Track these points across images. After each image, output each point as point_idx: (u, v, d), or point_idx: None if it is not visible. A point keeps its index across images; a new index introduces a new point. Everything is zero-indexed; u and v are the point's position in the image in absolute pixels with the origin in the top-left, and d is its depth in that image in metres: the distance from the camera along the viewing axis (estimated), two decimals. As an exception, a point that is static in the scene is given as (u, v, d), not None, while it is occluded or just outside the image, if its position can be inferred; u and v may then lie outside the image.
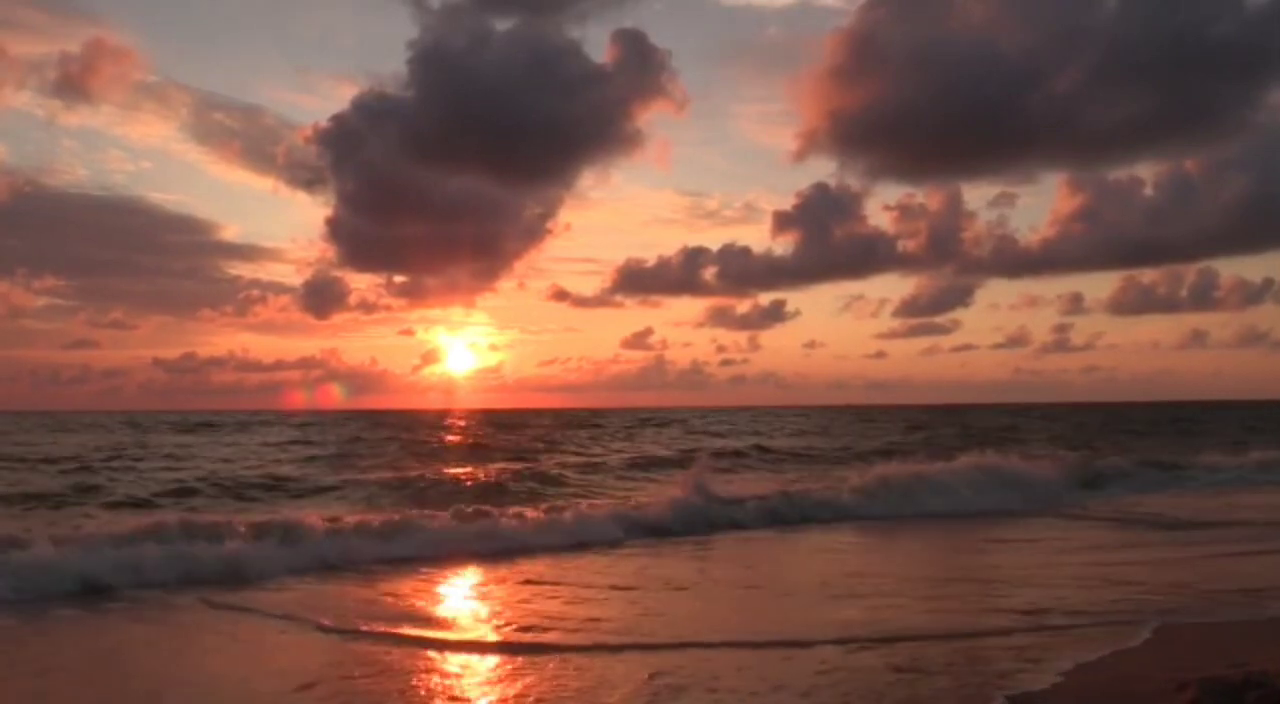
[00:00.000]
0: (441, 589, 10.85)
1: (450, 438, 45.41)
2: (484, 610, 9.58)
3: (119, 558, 10.88)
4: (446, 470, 25.16)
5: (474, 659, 7.51)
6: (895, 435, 45.76)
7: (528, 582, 10.91)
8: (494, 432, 52.79)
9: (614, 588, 10.56)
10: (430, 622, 9.03)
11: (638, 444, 40.72)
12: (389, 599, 10.07)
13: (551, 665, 7.15)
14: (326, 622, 8.77)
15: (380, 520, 13.86)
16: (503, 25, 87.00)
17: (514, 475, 23.65)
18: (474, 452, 35.14)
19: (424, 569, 11.88)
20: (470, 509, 15.00)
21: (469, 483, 22.20)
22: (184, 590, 10.36)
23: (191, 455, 31.28)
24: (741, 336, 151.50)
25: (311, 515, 14.05)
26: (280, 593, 10.37)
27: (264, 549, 11.88)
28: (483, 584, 11.11)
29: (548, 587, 10.61)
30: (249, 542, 12.11)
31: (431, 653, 7.69)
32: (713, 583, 11.24)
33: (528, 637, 8.11)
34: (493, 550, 13.10)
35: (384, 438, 44.18)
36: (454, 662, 7.43)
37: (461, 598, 10.45)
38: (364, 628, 8.48)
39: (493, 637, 8.23)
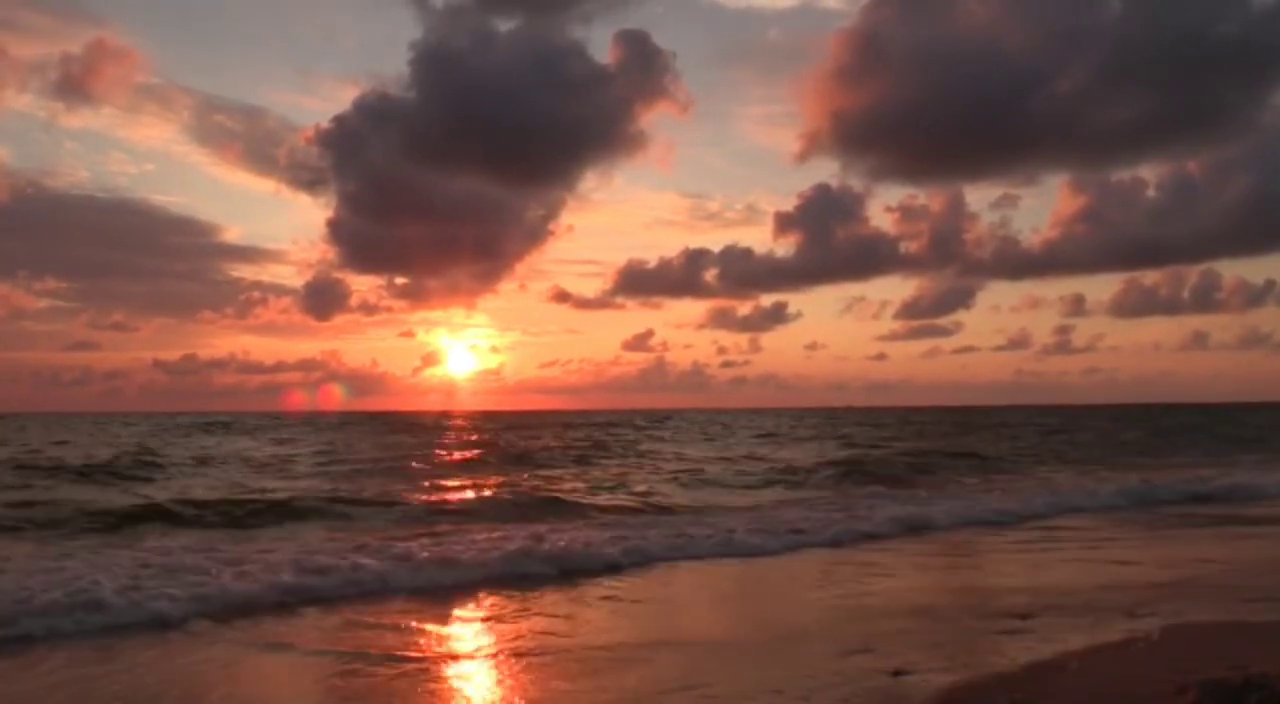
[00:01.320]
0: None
1: (522, 441, 43.74)
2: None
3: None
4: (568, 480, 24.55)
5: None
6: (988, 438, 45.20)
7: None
8: (540, 434, 51.75)
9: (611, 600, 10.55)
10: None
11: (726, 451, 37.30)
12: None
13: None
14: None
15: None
16: (506, 26, 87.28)
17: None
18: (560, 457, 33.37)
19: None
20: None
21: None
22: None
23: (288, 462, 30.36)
24: (742, 338, 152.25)
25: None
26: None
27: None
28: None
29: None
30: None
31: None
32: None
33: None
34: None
35: (439, 443, 43.03)
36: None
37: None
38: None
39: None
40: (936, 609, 9.13)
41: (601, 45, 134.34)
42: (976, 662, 7.02)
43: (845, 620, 8.69)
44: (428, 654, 7.63)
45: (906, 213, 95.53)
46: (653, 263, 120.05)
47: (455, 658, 7.58)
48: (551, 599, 9.90)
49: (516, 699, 6.44)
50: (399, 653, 7.60)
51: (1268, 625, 8.20)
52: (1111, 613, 8.68)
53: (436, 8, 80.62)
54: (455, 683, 6.85)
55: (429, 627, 8.65)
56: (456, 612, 9.40)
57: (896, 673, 6.72)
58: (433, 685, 6.75)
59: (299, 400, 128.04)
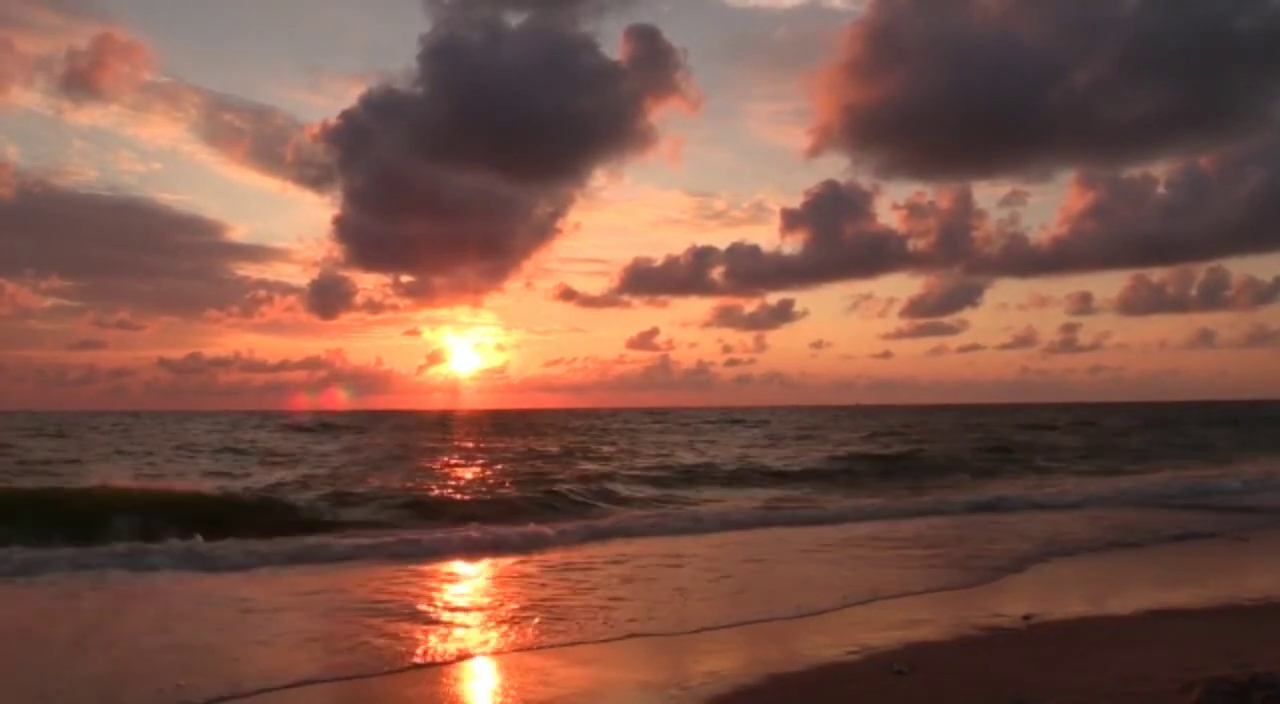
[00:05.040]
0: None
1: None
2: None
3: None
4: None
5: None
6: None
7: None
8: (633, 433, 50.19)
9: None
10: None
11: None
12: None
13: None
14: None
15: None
16: (515, 20, 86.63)
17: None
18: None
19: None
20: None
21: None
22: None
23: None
24: (748, 336, 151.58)
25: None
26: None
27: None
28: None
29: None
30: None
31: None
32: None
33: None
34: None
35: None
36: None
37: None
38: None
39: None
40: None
41: (610, 39, 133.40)
42: (980, 661, 6.99)
43: None
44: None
45: (914, 210, 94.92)
46: (659, 261, 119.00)
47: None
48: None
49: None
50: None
51: (1270, 621, 8.15)
52: (1112, 612, 8.61)
53: (445, 2, 79.72)
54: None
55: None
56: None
57: (901, 673, 6.71)
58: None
59: (304, 399, 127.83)
